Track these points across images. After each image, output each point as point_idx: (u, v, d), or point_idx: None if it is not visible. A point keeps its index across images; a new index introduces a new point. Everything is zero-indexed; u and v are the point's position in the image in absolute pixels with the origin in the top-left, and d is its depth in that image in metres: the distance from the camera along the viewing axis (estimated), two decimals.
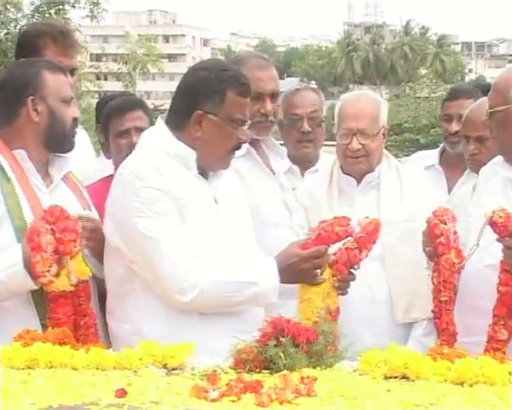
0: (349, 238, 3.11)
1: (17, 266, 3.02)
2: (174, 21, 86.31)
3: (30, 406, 2.31)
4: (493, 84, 3.40)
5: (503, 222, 2.94)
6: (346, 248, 3.11)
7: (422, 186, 3.75)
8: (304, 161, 4.18)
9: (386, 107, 3.75)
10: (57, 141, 3.32)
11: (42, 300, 3.10)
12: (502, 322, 2.98)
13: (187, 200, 3.19)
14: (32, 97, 3.25)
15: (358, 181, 3.66)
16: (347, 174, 3.66)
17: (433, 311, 3.11)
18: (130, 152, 3.40)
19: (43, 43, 3.92)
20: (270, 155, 3.94)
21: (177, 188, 3.18)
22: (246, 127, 3.32)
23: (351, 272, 3.16)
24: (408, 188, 3.62)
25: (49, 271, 2.94)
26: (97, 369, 2.72)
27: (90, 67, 26.68)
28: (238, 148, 3.33)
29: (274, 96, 3.90)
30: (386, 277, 3.55)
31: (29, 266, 2.98)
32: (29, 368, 2.71)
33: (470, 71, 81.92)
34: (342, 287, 3.16)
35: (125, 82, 28.10)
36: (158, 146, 3.28)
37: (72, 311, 3.09)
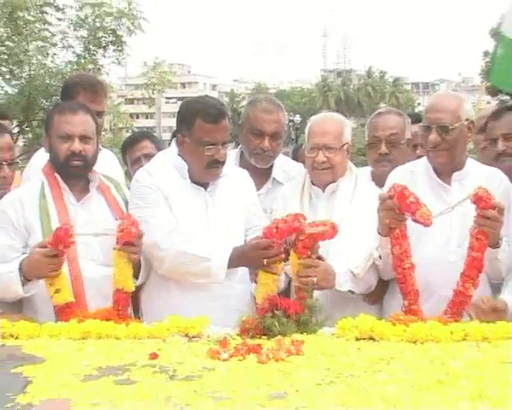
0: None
1: (13, 274, 2.96)
2: (189, 71, 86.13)
3: (85, 367, 2.33)
4: (444, 107, 3.13)
5: (486, 196, 2.78)
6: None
7: (371, 195, 3.23)
8: (383, 179, 3.47)
9: (350, 127, 3.47)
10: (59, 169, 3.19)
11: None
12: (471, 281, 2.82)
13: (172, 198, 3.18)
14: (46, 136, 3.22)
15: (324, 191, 3.38)
16: (315, 185, 3.41)
17: (397, 278, 2.92)
18: None
19: (76, 91, 3.90)
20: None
21: (165, 187, 3.19)
22: (221, 148, 3.16)
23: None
24: (358, 196, 3.33)
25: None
26: (135, 338, 2.73)
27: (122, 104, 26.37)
28: (215, 164, 3.18)
29: (275, 136, 3.68)
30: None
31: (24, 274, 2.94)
32: (83, 339, 2.73)
33: (419, 104, 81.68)
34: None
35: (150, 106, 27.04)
36: (166, 159, 3.30)
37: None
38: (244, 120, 3.76)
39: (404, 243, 2.88)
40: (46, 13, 17.39)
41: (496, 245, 2.89)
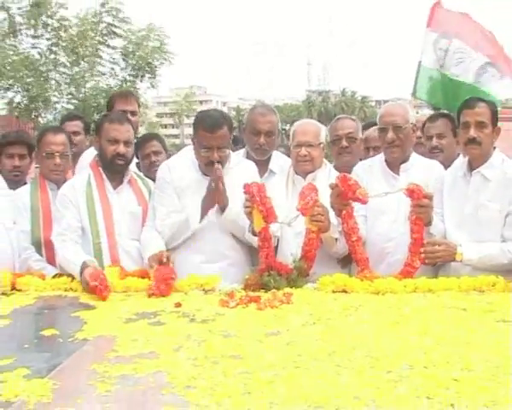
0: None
1: (76, 267, 2.83)
2: (205, 92, 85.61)
3: (126, 312, 2.35)
4: (397, 112, 3.18)
5: (417, 189, 2.76)
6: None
7: None
8: (345, 168, 3.40)
9: (325, 131, 3.40)
10: (105, 165, 3.17)
11: None
12: (417, 256, 2.78)
13: (183, 187, 3.15)
14: (95, 136, 3.21)
15: (305, 179, 3.31)
16: (298, 174, 3.33)
17: (349, 249, 2.91)
18: (151, 168, 3.36)
19: (113, 100, 4.01)
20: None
21: (178, 180, 3.17)
22: (216, 151, 3.07)
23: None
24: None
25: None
26: None
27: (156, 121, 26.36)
28: (211, 164, 3.07)
29: (269, 133, 3.59)
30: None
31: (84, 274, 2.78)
32: (124, 292, 2.73)
33: None
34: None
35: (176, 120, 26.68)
36: (186, 154, 3.27)
37: None
38: (246, 123, 3.74)
39: (350, 222, 2.86)
40: (100, 50, 17.33)
41: (429, 224, 2.87)
